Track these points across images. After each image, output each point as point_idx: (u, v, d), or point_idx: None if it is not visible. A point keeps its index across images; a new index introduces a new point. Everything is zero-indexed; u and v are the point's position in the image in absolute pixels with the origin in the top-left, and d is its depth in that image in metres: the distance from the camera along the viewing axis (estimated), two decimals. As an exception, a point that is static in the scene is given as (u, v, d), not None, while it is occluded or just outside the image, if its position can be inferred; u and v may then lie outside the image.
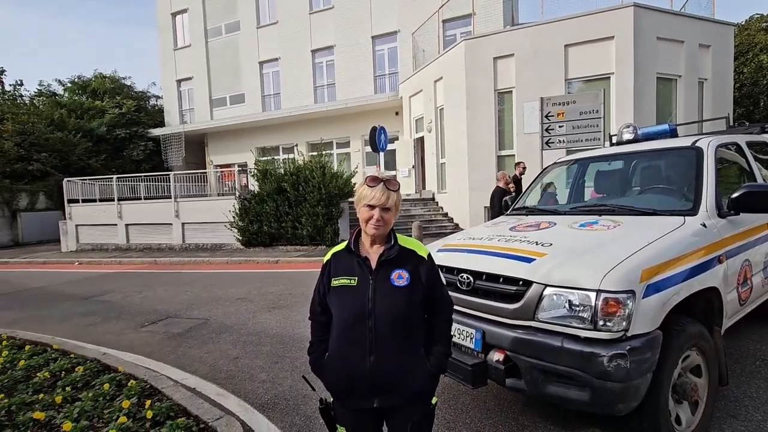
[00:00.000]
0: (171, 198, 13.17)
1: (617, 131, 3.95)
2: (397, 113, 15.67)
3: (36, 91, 23.03)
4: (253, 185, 12.16)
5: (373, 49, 16.78)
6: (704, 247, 2.43)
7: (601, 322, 2.01)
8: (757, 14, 18.08)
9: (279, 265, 9.45)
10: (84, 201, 14.59)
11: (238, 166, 16.42)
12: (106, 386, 3.07)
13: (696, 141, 3.05)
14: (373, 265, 1.48)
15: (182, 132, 19.85)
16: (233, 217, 11.72)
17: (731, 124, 4.35)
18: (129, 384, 3.07)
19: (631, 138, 3.70)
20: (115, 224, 14.04)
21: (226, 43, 19.95)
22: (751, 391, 2.84)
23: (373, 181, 1.46)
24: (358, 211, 1.51)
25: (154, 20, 21.79)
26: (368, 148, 13.37)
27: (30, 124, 18.12)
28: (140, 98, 24.25)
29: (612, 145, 4.08)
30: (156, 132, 20.83)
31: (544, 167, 4.29)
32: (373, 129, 10.19)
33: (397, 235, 1.55)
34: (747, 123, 3.92)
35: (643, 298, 2.04)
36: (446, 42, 14.01)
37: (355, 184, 11.59)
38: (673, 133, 3.60)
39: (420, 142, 14.06)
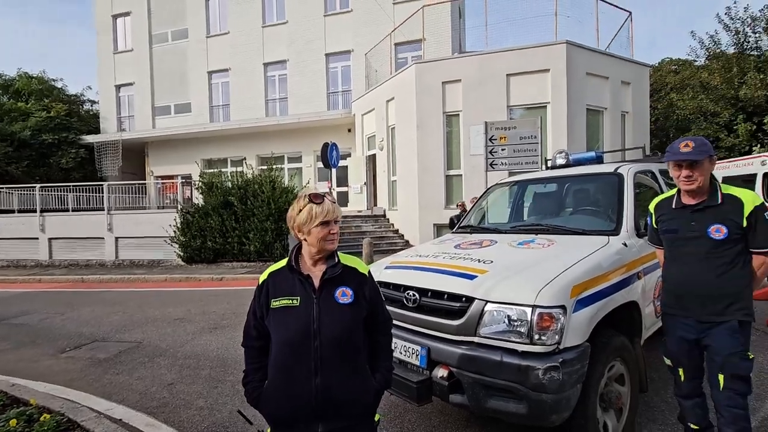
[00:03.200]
0: (104, 210, 12.21)
1: (552, 156, 4.27)
2: (349, 130, 15.77)
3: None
4: (198, 198, 11.60)
5: (327, 66, 16.87)
6: (626, 265, 2.65)
7: (536, 336, 2.11)
8: (667, 58, 20.57)
9: (224, 283, 9.01)
10: (0, 212, 13.10)
11: (182, 178, 15.61)
12: (13, 422, 2.71)
13: (618, 168, 3.37)
14: (316, 283, 1.45)
15: (119, 140, 18.55)
16: (174, 231, 11.06)
17: (647, 153, 4.85)
18: (42, 418, 2.74)
19: (564, 163, 4.01)
20: (37, 238, 12.72)
21: (173, 50, 19.14)
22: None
23: (318, 197, 1.44)
24: (306, 234, 1.44)
25: (92, 21, 20.48)
26: (320, 164, 13.30)
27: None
28: (72, 102, 22.43)
29: (547, 168, 4.38)
30: (90, 139, 19.25)
31: (487, 188, 4.51)
32: (325, 145, 10.18)
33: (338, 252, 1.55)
34: (659, 153, 4.39)
35: (573, 312, 2.18)
36: (398, 64, 14.45)
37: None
38: (599, 160, 3.96)
39: (372, 160, 14.22)
